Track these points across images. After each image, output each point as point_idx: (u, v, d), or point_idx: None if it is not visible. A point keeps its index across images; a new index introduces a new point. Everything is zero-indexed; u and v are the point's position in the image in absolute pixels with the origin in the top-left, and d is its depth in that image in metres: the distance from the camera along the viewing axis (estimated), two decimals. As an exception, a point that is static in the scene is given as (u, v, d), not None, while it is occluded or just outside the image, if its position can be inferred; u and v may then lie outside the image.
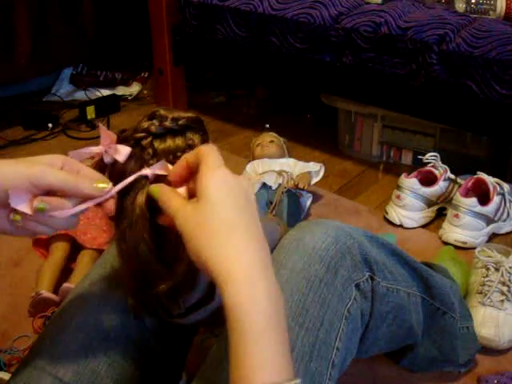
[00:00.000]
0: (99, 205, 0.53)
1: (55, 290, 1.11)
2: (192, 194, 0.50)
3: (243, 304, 0.43)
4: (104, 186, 0.49)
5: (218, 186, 0.46)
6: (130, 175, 0.52)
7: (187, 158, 0.50)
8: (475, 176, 1.35)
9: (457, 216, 1.30)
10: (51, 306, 1.07)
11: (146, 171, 0.52)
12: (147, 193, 0.52)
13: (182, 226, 0.46)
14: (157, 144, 0.53)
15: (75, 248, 1.24)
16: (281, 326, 0.44)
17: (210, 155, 0.48)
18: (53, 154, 0.50)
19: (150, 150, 0.53)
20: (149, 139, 0.53)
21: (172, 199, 0.49)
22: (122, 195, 0.52)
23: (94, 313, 0.65)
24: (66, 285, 1.09)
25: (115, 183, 0.52)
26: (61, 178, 0.48)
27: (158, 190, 0.50)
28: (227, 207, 0.45)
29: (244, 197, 0.47)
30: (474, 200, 1.29)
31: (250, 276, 0.44)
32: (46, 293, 1.08)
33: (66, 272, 1.18)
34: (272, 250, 0.70)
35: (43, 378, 0.60)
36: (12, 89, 2.07)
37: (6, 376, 0.93)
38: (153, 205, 0.52)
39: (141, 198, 0.52)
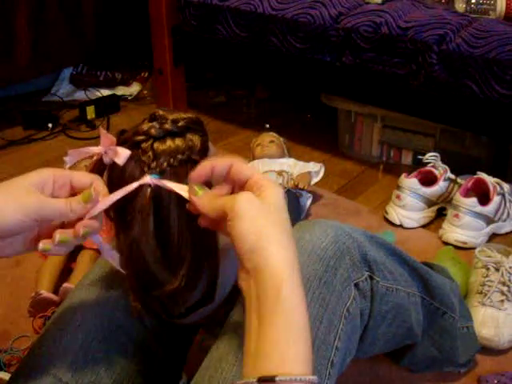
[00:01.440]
0: None
1: (55, 290, 1.11)
2: None
3: (289, 306, 0.45)
4: (86, 196, 0.50)
5: (275, 191, 0.49)
6: (129, 178, 0.52)
7: (216, 164, 0.51)
8: (475, 176, 1.35)
9: (457, 216, 1.30)
10: (51, 306, 1.07)
11: (147, 179, 0.52)
12: (151, 194, 0.52)
13: (241, 205, 0.47)
14: (156, 145, 0.53)
15: (75, 248, 1.23)
16: (308, 326, 0.46)
17: (256, 173, 0.51)
18: (41, 171, 0.51)
19: (151, 153, 0.53)
20: (149, 142, 0.53)
21: (217, 199, 0.50)
22: (127, 196, 0.52)
23: (94, 313, 0.65)
24: (65, 285, 1.09)
25: (114, 185, 0.52)
26: (56, 209, 0.49)
27: (201, 185, 0.51)
28: (278, 207, 0.48)
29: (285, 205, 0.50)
30: (473, 200, 1.29)
31: (293, 280, 0.46)
32: (46, 293, 1.08)
33: (66, 272, 1.18)
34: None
35: (43, 377, 0.60)
36: (12, 89, 2.07)
37: (5, 376, 0.93)
38: (158, 206, 0.52)
39: (144, 201, 0.51)
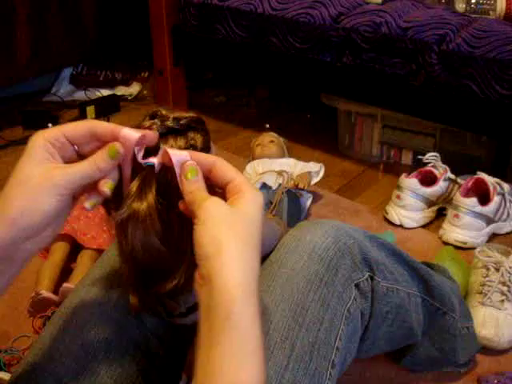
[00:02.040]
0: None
1: (55, 290, 1.11)
2: None
3: (246, 322, 0.43)
4: (113, 152, 0.49)
5: (253, 203, 0.47)
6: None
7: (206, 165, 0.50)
8: (475, 176, 1.35)
9: (457, 216, 1.30)
10: (51, 306, 1.07)
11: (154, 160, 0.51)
12: (157, 186, 0.51)
13: (210, 212, 0.45)
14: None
15: (75, 248, 1.24)
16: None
17: (240, 176, 0.49)
18: (32, 144, 0.48)
19: None
20: (162, 147, 0.53)
21: (204, 191, 0.48)
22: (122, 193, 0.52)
23: (94, 313, 0.65)
24: (65, 285, 1.09)
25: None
26: (84, 174, 0.48)
27: (195, 170, 0.49)
28: (251, 221, 0.46)
29: (262, 218, 0.48)
30: (474, 200, 1.29)
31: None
32: (46, 293, 1.08)
33: (66, 272, 1.18)
34: (272, 250, 0.71)
35: (43, 378, 0.60)
36: (12, 89, 2.07)
37: (6, 376, 0.93)
38: (162, 202, 0.51)
39: (150, 197, 0.51)
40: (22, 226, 0.46)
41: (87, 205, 0.50)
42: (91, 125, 0.49)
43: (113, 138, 0.49)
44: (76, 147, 0.50)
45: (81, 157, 0.50)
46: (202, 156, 0.50)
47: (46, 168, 0.47)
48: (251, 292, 0.44)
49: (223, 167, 0.49)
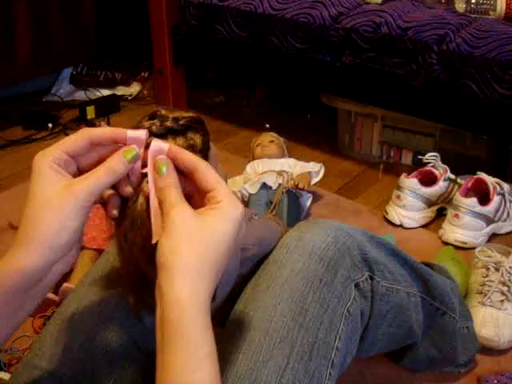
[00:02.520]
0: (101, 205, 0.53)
1: (55, 290, 1.11)
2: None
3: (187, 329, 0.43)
4: (132, 157, 0.49)
5: (225, 218, 0.47)
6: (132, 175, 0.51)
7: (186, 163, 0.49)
8: (475, 176, 1.35)
9: (457, 216, 1.30)
10: (51, 306, 1.07)
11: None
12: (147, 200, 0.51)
13: (176, 224, 0.46)
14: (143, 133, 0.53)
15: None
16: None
17: (218, 181, 0.48)
18: (40, 164, 0.48)
19: None
20: (150, 139, 0.53)
21: (175, 189, 0.48)
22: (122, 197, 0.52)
23: (94, 312, 0.65)
24: (65, 285, 1.09)
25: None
26: (101, 184, 0.48)
27: (165, 164, 0.49)
28: (219, 239, 0.46)
29: (236, 231, 0.47)
30: (474, 200, 1.29)
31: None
32: (46, 293, 1.08)
33: (66, 272, 1.18)
34: (272, 250, 0.71)
35: (43, 377, 0.60)
36: (12, 89, 2.07)
37: (5, 376, 0.93)
38: None
39: (143, 198, 0.51)
40: (53, 247, 0.47)
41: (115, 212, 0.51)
42: (89, 134, 0.49)
43: (114, 141, 0.50)
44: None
45: (80, 171, 0.50)
46: (186, 156, 0.50)
47: (63, 186, 0.47)
48: (201, 305, 0.44)
49: (206, 174, 0.48)
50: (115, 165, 0.48)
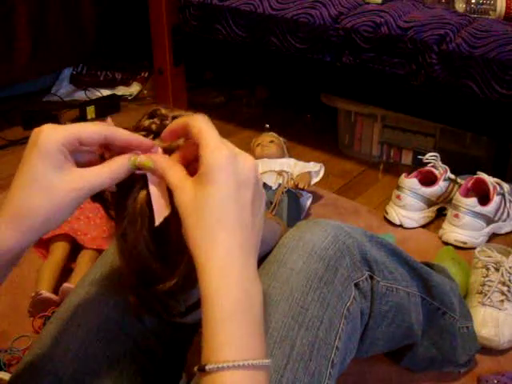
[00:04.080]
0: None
1: (55, 290, 1.11)
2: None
3: (213, 293, 0.44)
4: (149, 165, 0.49)
5: (218, 170, 0.45)
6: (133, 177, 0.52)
7: (174, 126, 0.50)
8: (475, 176, 1.35)
9: (457, 216, 1.30)
10: (51, 306, 1.07)
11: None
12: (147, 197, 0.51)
13: (179, 202, 0.46)
14: (157, 143, 0.53)
15: (75, 248, 1.24)
16: (252, 309, 0.44)
17: (207, 132, 0.48)
18: (45, 149, 0.46)
19: None
20: (150, 137, 0.53)
21: (172, 169, 0.48)
22: (123, 193, 0.52)
23: (94, 312, 0.65)
24: (65, 285, 1.09)
25: (122, 183, 0.52)
26: (104, 181, 0.48)
27: (149, 161, 0.48)
28: (221, 195, 0.45)
29: (241, 183, 0.46)
30: (474, 200, 1.29)
31: (224, 267, 0.44)
32: (46, 293, 1.08)
33: (66, 272, 1.18)
34: (272, 250, 0.71)
35: (43, 377, 0.60)
36: (12, 89, 2.07)
37: (5, 376, 0.93)
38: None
39: (142, 195, 0.51)
40: (42, 232, 0.47)
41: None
42: (107, 132, 0.48)
43: (128, 147, 0.49)
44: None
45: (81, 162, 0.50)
46: (174, 124, 0.50)
47: (67, 175, 0.46)
48: (234, 265, 0.45)
49: (194, 139, 0.48)
50: (120, 169, 0.48)
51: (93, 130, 0.48)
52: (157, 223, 0.48)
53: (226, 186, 0.45)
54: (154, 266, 0.54)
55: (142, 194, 0.51)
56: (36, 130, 0.48)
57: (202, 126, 0.49)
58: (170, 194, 0.49)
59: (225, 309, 0.43)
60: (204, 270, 0.44)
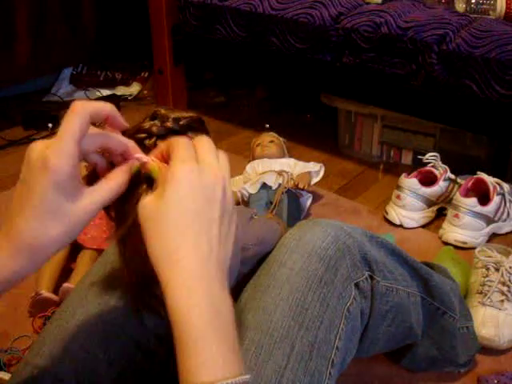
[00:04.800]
0: None
1: (55, 290, 1.11)
2: None
3: (180, 309, 0.43)
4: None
5: (179, 182, 0.44)
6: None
7: (161, 148, 0.49)
8: (475, 176, 1.35)
9: (457, 216, 1.30)
10: (51, 306, 1.07)
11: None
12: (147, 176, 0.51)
13: (140, 214, 0.46)
14: (158, 144, 0.53)
15: (75, 248, 1.24)
16: (224, 325, 0.44)
17: (179, 147, 0.47)
18: (56, 177, 0.44)
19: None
20: (152, 140, 0.53)
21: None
22: (123, 196, 0.52)
23: (95, 313, 0.65)
24: (65, 285, 1.09)
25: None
26: (108, 197, 0.48)
27: (155, 166, 0.48)
28: (182, 207, 0.44)
29: (205, 196, 0.45)
30: (474, 200, 1.29)
31: (190, 281, 0.43)
32: (46, 293, 1.08)
33: (66, 272, 1.18)
34: (272, 250, 0.71)
35: (43, 377, 0.60)
36: (12, 89, 2.07)
37: (5, 376, 0.93)
38: None
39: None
40: (49, 256, 0.47)
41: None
42: (105, 141, 0.48)
43: (122, 153, 0.49)
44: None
45: None
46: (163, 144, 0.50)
47: (80, 200, 0.45)
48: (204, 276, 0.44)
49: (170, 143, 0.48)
50: (124, 180, 0.48)
51: (92, 138, 0.47)
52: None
53: (187, 199, 0.44)
54: (153, 268, 0.54)
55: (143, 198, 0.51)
56: (40, 155, 0.44)
57: (175, 141, 0.48)
58: None
59: (199, 329, 0.42)
60: (169, 287, 0.44)
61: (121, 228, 0.52)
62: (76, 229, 0.46)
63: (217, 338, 0.43)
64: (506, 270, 1.06)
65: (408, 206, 1.38)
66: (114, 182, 0.48)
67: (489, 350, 1.01)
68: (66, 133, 0.44)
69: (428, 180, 1.40)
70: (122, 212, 0.53)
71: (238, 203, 1.41)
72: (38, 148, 0.44)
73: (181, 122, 0.54)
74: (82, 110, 0.45)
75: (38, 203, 0.44)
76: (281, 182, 1.38)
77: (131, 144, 0.50)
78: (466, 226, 1.30)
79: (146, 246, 0.45)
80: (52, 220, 0.44)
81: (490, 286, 1.05)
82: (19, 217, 0.44)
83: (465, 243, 1.30)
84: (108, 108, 0.48)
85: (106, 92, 2.16)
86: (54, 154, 0.43)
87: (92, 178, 0.51)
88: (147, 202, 0.46)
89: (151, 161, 0.49)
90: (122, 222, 0.53)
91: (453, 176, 1.41)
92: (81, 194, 0.45)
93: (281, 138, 1.59)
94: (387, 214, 1.42)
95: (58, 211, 0.44)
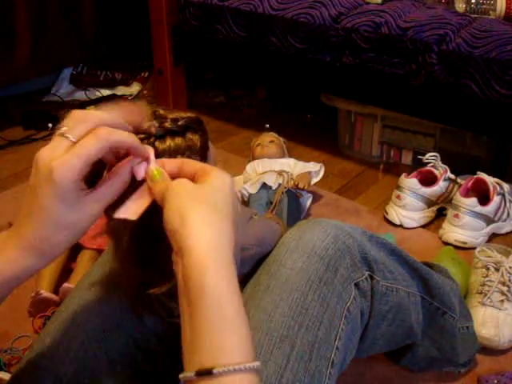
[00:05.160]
0: None
1: (55, 290, 1.11)
2: None
3: (220, 292, 0.42)
4: (156, 176, 0.50)
5: (222, 176, 0.47)
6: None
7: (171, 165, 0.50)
8: (475, 176, 1.35)
9: (457, 216, 1.30)
10: (51, 306, 1.07)
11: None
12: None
13: (176, 190, 0.46)
14: (157, 144, 0.53)
15: (75, 248, 1.24)
16: (243, 311, 0.44)
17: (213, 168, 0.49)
18: (59, 184, 0.45)
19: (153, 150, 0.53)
20: (150, 140, 0.53)
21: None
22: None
23: (95, 312, 0.65)
24: (65, 285, 1.09)
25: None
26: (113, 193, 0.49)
27: (160, 171, 0.49)
28: (222, 194, 0.46)
29: (234, 198, 0.48)
30: (474, 200, 1.29)
31: (220, 265, 0.44)
32: (46, 293, 1.08)
33: (66, 272, 1.18)
34: (272, 250, 0.71)
35: (43, 377, 0.60)
36: (12, 89, 2.07)
37: (5, 376, 0.93)
38: (152, 204, 0.51)
39: None
40: (55, 256, 0.49)
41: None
42: (112, 141, 0.47)
43: (128, 151, 0.50)
44: None
45: None
46: (168, 160, 0.51)
47: (85, 206, 0.47)
48: (224, 256, 0.44)
49: (191, 162, 0.50)
50: (128, 176, 0.49)
51: (100, 148, 0.46)
52: (115, 215, 0.49)
53: (226, 190, 0.47)
54: (148, 268, 0.54)
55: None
56: (47, 165, 0.45)
57: (207, 166, 0.50)
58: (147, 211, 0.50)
59: (229, 314, 0.42)
60: (197, 262, 0.42)
61: (112, 221, 0.52)
62: (81, 231, 0.48)
63: (244, 322, 0.43)
64: (506, 269, 1.06)
65: (408, 206, 1.38)
66: (115, 183, 0.49)
67: (489, 350, 1.01)
68: (81, 154, 0.45)
69: (428, 180, 1.40)
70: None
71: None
72: (45, 157, 0.45)
73: (179, 123, 0.54)
74: (106, 139, 0.46)
75: (43, 212, 0.46)
76: (281, 182, 1.38)
77: (135, 142, 0.49)
78: (466, 226, 1.30)
79: (173, 213, 0.45)
80: (56, 227, 0.46)
81: (490, 286, 1.05)
82: (26, 221, 0.47)
83: (465, 243, 1.30)
84: (130, 140, 0.48)
85: (106, 92, 2.16)
86: (62, 167, 0.44)
87: (92, 176, 0.51)
88: (186, 182, 0.47)
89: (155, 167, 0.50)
90: (108, 220, 0.53)
91: (453, 176, 1.41)
92: (84, 204, 0.47)
93: (281, 138, 1.59)
94: (387, 213, 1.42)
95: (61, 221, 0.46)
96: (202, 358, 0.41)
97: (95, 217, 0.48)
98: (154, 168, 0.49)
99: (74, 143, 0.45)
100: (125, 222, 0.49)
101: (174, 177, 0.49)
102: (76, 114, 0.47)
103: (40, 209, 0.46)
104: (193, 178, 0.48)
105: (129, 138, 0.48)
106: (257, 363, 0.41)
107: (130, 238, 0.54)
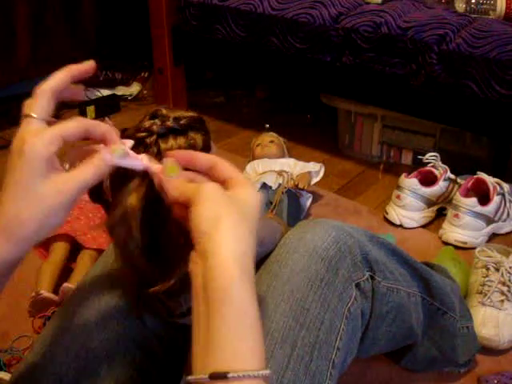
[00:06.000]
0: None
1: (55, 290, 1.11)
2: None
3: (242, 299, 0.42)
4: (120, 153, 0.49)
5: (251, 187, 0.49)
6: (133, 173, 0.51)
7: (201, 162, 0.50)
8: (475, 176, 1.35)
9: (457, 216, 1.30)
10: (51, 306, 1.07)
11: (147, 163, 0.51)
12: (145, 189, 0.51)
13: (212, 193, 0.46)
14: (159, 143, 0.53)
15: (75, 248, 1.24)
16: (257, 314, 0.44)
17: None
18: (32, 159, 0.46)
19: (155, 149, 0.52)
20: (153, 137, 0.53)
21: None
22: (116, 186, 0.52)
23: (94, 312, 0.65)
24: (65, 285, 1.09)
25: (118, 182, 0.51)
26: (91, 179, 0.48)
27: (122, 148, 0.49)
28: (253, 211, 0.47)
29: (259, 210, 0.49)
30: (473, 200, 1.29)
31: (244, 271, 0.44)
32: (46, 293, 1.08)
33: (66, 272, 1.18)
34: (272, 250, 0.71)
35: (44, 378, 0.60)
36: (12, 89, 2.07)
37: (6, 376, 0.93)
38: (153, 202, 0.51)
39: (133, 198, 0.51)
40: (35, 242, 0.47)
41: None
42: (86, 126, 0.49)
43: (102, 139, 0.50)
44: None
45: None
46: (202, 155, 0.51)
47: (53, 181, 0.46)
48: (248, 268, 0.44)
49: (226, 167, 0.50)
50: (103, 163, 0.48)
51: (76, 126, 0.48)
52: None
53: (255, 200, 0.48)
54: (145, 266, 0.54)
55: (134, 196, 0.51)
56: (18, 137, 0.47)
57: (234, 169, 0.50)
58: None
59: (249, 323, 0.42)
60: (223, 269, 0.42)
61: (111, 216, 0.52)
62: (52, 211, 0.46)
63: (259, 329, 0.43)
64: (506, 269, 1.06)
65: (408, 205, 1.38)
66: (90, 166, 0.48)
67: (489, 350, 1.01)
68: (54, 128, 0.46)
69: (428, 180, 1.40)
70: (114, 201, 0.52)
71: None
72: (18, 136, 0.47)
73: (181, 122, 0.54)
74: (81, 120, 0.48)
75: (12, 184, 0.46)
76: (281, 182, 1.38)
77: (109, 130, 0.50)
78: (466, 226, 1.30)
79: (205, 216, 0.45)
80: (24, 200, 0.45)
81: (489, 286, 1.05)
82: (0, 199, 0.46)
83: (465, 243, 1.30)
84: (104, 126, 0.49)
85: (106, 92, 2.16)
86: (31, 137, 0.46)
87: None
88: (218, 188, 0.47)
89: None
90: (112, 210, 0.53)
91: (453, 176, 1.41)
92: (55, 176, 0.46)
93: (281, 138, 1.59)
94: (387, 213, 1.42)
95: (29, 191, 0.45)
96: (216, 361, 0.41)
97: (66, 195, 0.46)
98: (170, 163, 0.49)
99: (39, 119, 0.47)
100: (124, 214, 0.49)
101: (201, 173, 0.50)
102: (32, 94, 0.49)
103: (9, 182, 0.45)
104: (223, 182, 0.49)
105: (102, 124, 0.49)
106: (268, 371, 0.41)
107: (130, 234, 0.53)
